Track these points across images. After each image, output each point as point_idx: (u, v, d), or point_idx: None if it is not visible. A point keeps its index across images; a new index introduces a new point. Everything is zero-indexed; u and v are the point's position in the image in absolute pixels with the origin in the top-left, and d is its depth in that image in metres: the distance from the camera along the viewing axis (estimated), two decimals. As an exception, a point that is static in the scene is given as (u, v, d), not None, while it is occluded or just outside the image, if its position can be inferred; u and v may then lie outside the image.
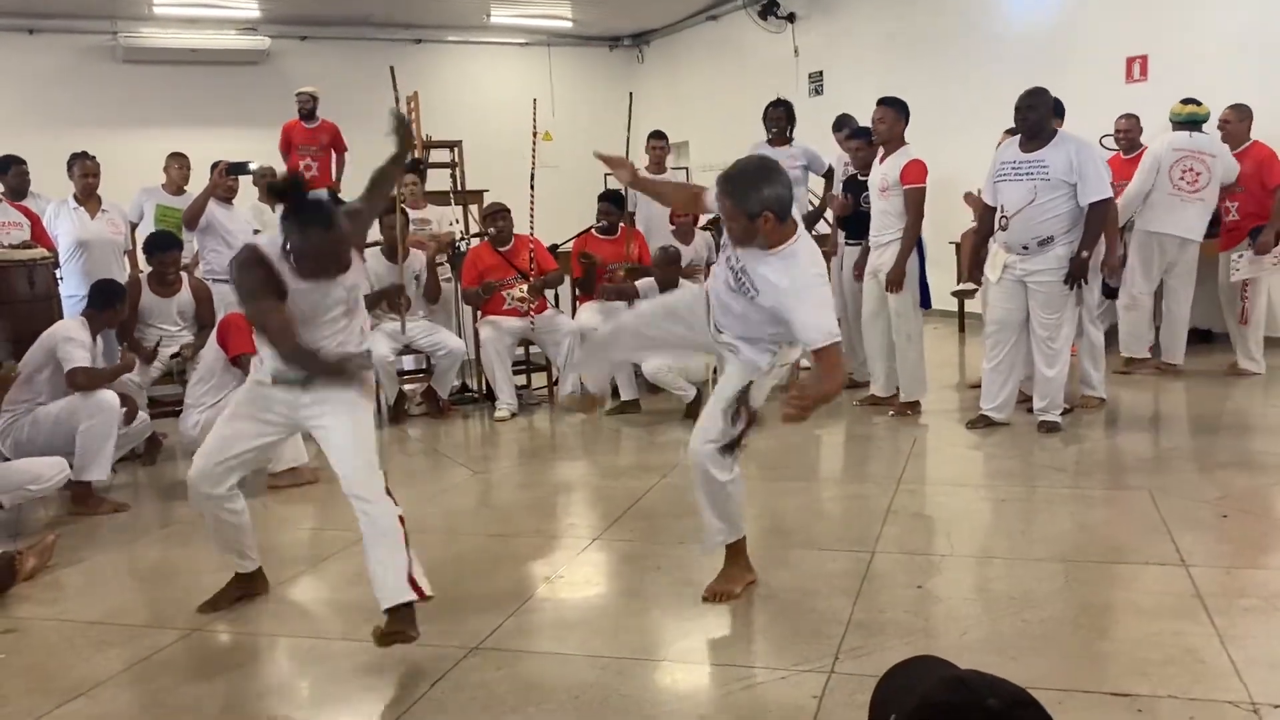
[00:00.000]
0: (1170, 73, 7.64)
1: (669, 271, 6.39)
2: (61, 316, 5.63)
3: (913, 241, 5.62)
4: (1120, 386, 6.21)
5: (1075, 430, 5.26)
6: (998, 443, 5.14)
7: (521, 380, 7.10)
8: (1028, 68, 8.14)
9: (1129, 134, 6.88)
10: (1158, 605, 3.06)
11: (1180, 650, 2.73)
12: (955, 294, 7.04)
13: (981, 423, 5.36)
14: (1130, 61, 7.96)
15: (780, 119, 6.73)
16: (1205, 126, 6.38)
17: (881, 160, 5.74)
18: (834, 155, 7.07)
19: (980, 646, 2.83)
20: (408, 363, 7.12)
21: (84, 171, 6.24)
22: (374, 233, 6.89)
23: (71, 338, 4.69)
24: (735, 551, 3.37)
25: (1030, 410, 5.37)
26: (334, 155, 8.81)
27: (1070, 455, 4.87)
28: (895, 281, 5.62)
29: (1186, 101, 6.40)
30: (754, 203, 2.89)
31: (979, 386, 6.19)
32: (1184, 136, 6.30)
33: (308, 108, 8.67)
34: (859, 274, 6.09)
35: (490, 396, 6.68)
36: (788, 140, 6.74)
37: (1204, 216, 6.31)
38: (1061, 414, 5.27)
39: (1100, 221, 5.04)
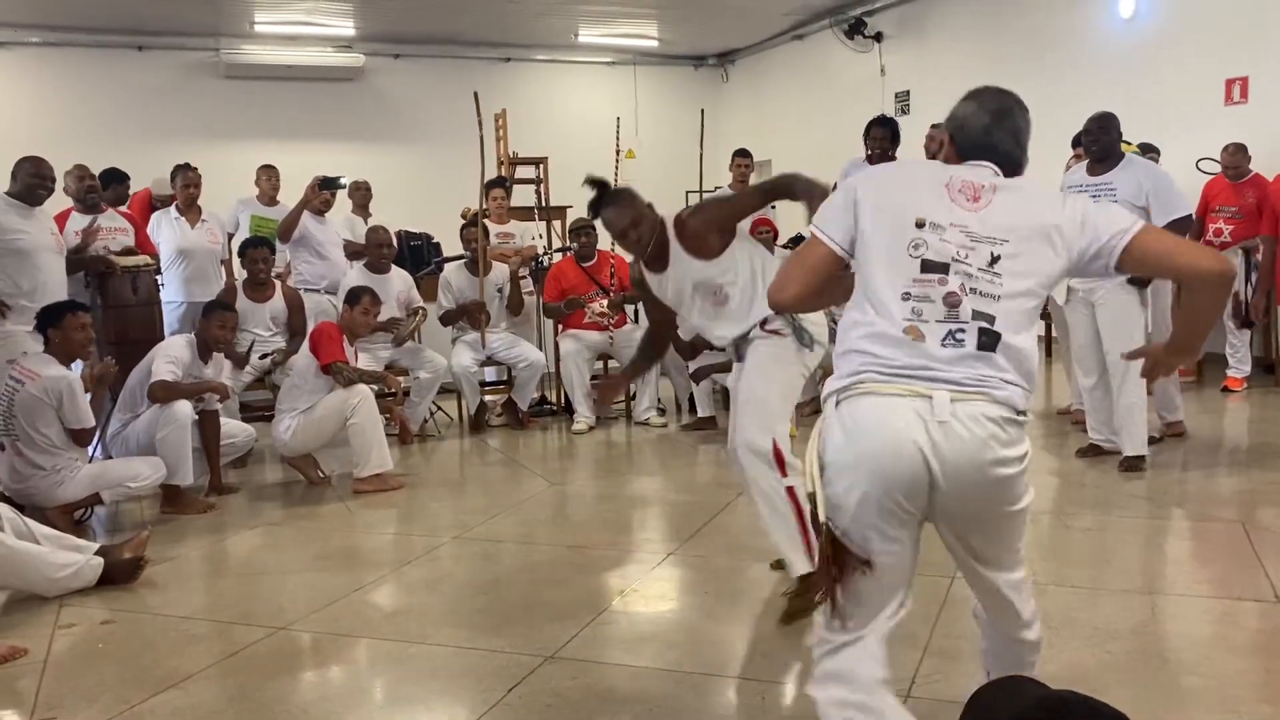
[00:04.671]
0: (1273, 94, 7.41)
1: None
2: (162, 322, 5.87)
3: None
4: (1214, 416, 6.03)
5: (1163, 458, 5.11)
6: (1083, 470, 5.01)
7: (600, 394, 7.16)
8: (1121, 89, 7.96)
9: (1238, 168, 6.78)
10: (1251, 642, 2.96)
11: (1275, 690, 2.64)
12: None
13: (1091, 452, 5.16)
14: (1230, 83, 7.73)
15: (883, 139, 6.58)
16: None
17: None
18: None
19: (1062, 676, 2.76)
20: (489, 374, 7.24)
21: (186, 182, 6.47)
22: (456, 246, 7.04)
23: (168, 354, 4.90)
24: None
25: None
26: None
27: (1158, 484, 4.73)
28: None
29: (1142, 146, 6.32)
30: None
31: (1066, 412, 6.07)
32: None
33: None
34: None
35: (569, 409, 6.75)
36: (890, 159, 6.61)
37: None
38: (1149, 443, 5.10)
39: (1186, 235, 4.93)
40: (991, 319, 1.94)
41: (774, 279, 2.19)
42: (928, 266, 1.97)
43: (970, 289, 1.95)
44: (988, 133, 2.11)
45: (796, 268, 2.12)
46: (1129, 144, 6.19)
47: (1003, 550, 2.07)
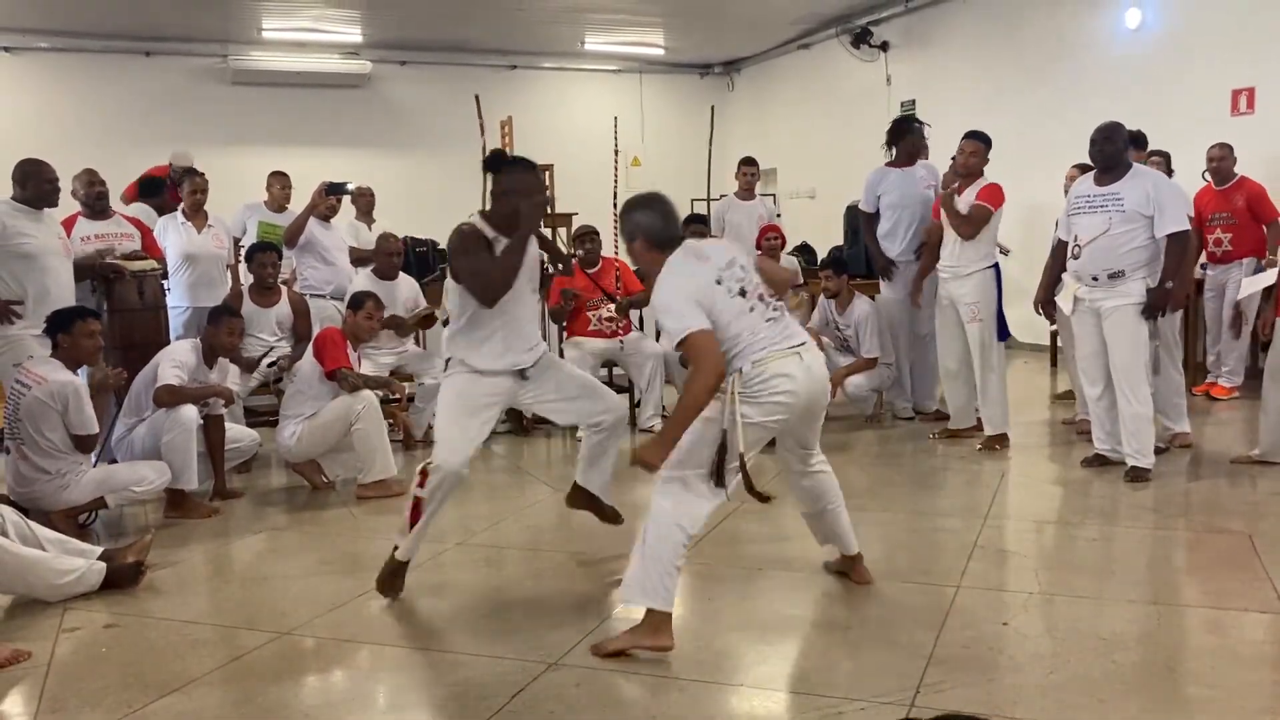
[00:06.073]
0: (1279, 105, 7.41)
1: None
2: (168, 326, 5.87)
3: (954, 227, 5.62)
4: (1220, 427, 6.01)
5: (1168, 469, 5.09)
6: (1088, 479, 5.00)
7: (604, 401, 7.15)
8: (1127, 100, 7.97)
9: (1222, 163, 6.70)
10: (1257, 654, 2.95)
11: (1280, 701, 2.63)
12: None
13: (1096, 462, 5.14)
14: (1236, 94, 7.73)
15: (906, 139, 6.57)
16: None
17: (961, 191, 5.67)
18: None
19: (1068, 687, 2.76)
20: (494, 381, 7.23)
21: (193, 188, 6.48)
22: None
23: (173, 359, 4.89)
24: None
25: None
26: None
27: (1164, 495, 4.72)
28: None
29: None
30: (627, 228, 3.30)
31: (1071, 422, 6.06)
32: None
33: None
34: (916, 299, 6.08)
35: (573, 416, 6.74)
36: (911, 162, 6.54)
37: None
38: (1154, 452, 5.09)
39: (1181, 252, 4.92)
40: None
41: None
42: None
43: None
44: (668, 227, 3.23)
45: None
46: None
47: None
